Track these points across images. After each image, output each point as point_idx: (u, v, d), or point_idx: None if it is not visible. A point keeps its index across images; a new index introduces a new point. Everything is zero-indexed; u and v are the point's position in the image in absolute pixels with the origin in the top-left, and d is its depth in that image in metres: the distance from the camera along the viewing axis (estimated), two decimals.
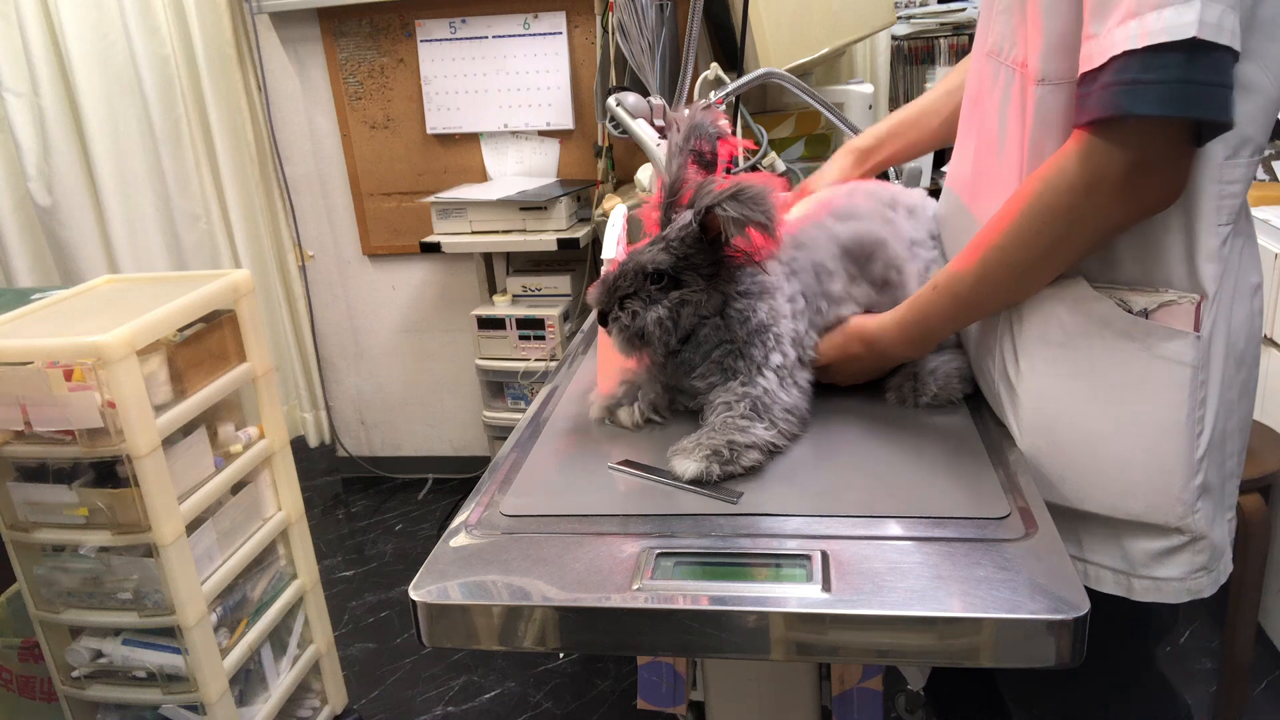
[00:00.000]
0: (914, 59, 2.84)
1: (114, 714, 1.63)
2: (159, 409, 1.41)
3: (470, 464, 3.01)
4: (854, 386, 1.04)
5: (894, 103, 2.81)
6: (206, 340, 1.53)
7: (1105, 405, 0.87)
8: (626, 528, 0.81)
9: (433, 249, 2.51)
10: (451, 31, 2.57)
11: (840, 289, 1.01)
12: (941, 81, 1.20)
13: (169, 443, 1.42)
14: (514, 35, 2.54)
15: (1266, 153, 2.26)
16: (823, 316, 1.00)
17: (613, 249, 1.24)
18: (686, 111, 0.97)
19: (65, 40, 2.42)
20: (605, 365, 1.07)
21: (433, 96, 2.64)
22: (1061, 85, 0.82)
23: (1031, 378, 0.91)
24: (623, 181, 2.49)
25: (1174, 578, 0.89)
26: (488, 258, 2.66)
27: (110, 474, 1.42)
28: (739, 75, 1.67)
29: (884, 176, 1.45)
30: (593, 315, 0.98)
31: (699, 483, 0.86)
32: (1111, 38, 0.73)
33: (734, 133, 1.62)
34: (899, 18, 2.76)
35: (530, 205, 2.43)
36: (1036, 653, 0.67)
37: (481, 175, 2.71)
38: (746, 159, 1.50)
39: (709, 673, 1.07)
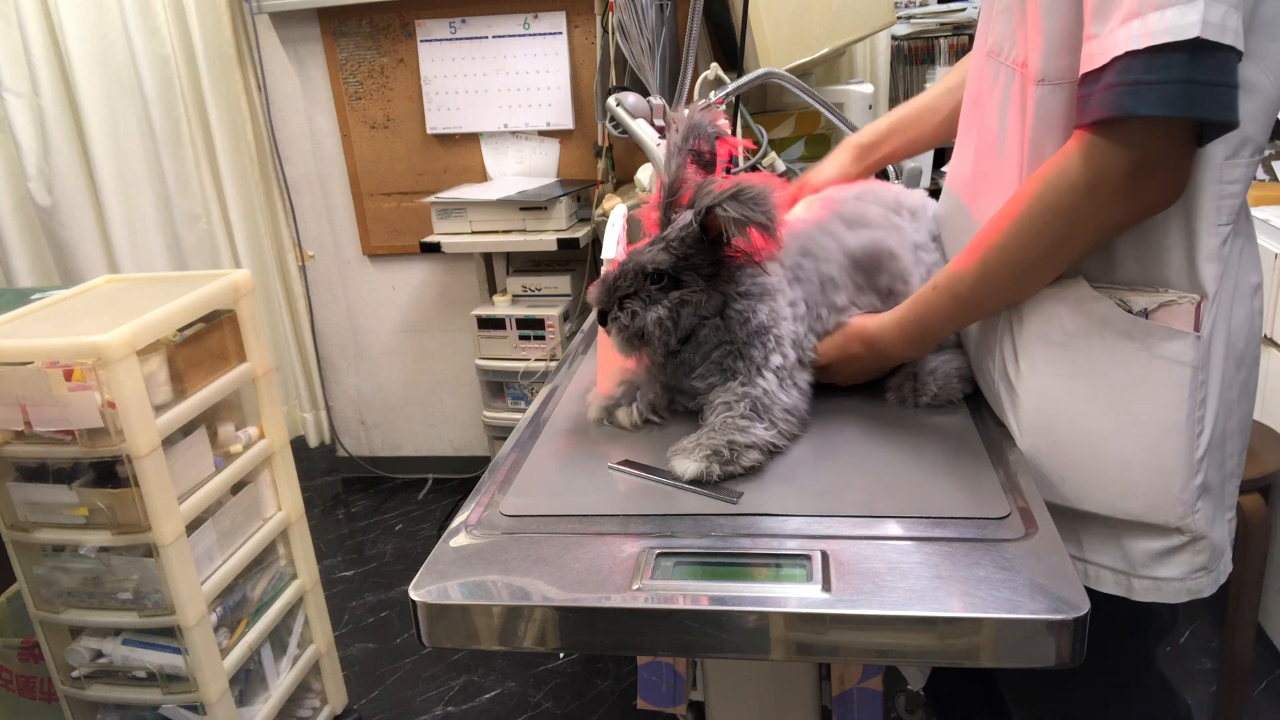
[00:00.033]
0: (914, 59, 2.84)
1: (114, 714, 1.63)
2: (159, 409, 1.41)
3: (470, 464, 3.01)
4: (854, 386, 1.04)
5: (894, 103, 2.81)
6: (206, 340, 1.53)
7: (1105, 405, 0.87)
8: (626, 528, 0.81)
9: (433, 249, 2.51)
10: (451, 31, 2.57)
11: (845, 299, 1.01)
12: (942, 79, 1.19)
13: (169, 443, 1.42)
14: (514, 35, 2.54)
15: (1266, 153, 2.27)
16: (823, 323, 1.00)
17: (613, 249, 1.24)
18: (686, 111, 0.97)
19: (65, 40, 2.42)
20: (605, 365, 1.07)
21: (433, 96, 2.64)
22: (1062, 85, 0.82)
23: (1031, 378, 0.91)
24: (623, 181, 2.49)
25: (1174, 578, 0.89)
26: (488, 258, 2.66)
27: (110, 474, 1.42)
28: (739, 75, 1.67)
29: (884, 176, 1.45)
30: (593, 315, 0.98)
31: (699, 483, 0.86)
32: (1114, 38, 0.73)
33: (734, 133, 1.63)
34: (899, 18, 2.76)
35: (530, 205, 2.43)
36: (1036, 653, 0.67)
37: (481, 175, 2.71)
38: (746, 159, 1.50)
39: (709, 673, 1.07)
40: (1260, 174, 2.23)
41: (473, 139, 2.68)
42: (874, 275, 1.03)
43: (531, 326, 2.50)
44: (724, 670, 1.05)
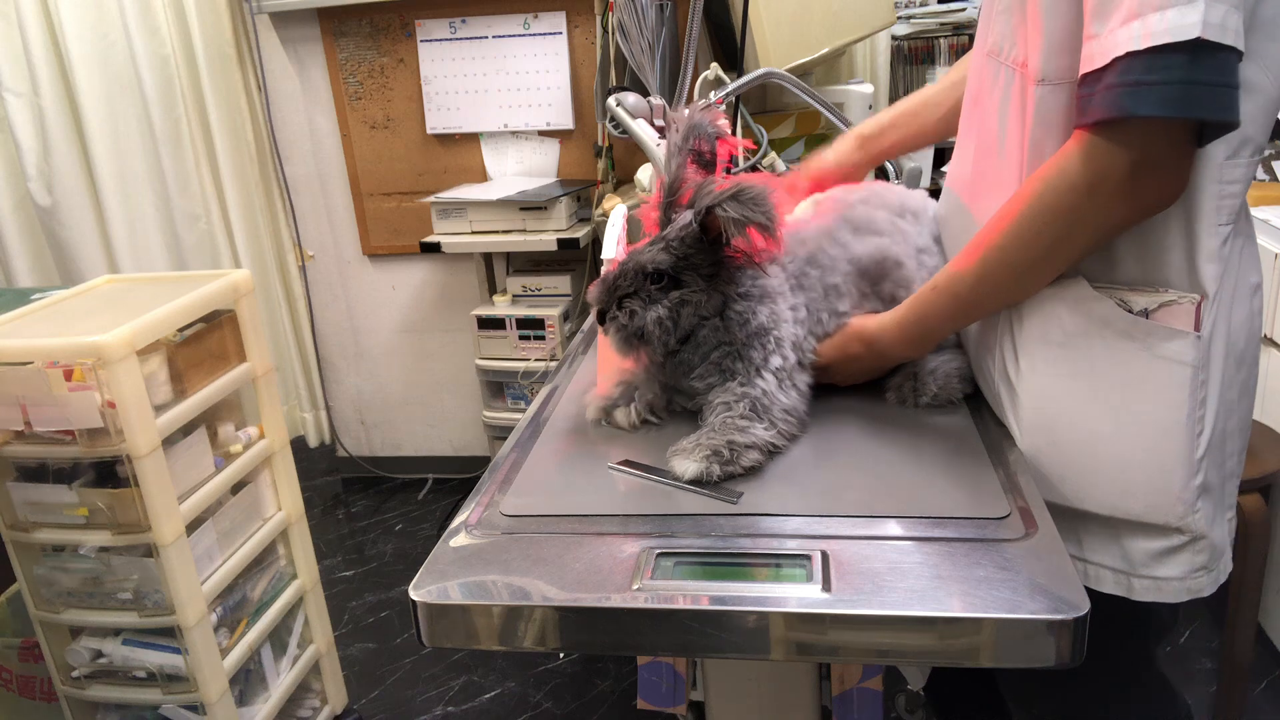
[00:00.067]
0: (914, 59, 2.84)
1: (114, 714, 1.63)
2: (159, 409, 1.41)
3: (470, 464, 3.01)
4: (854, 386, 1.04)
5: (894, 103, 2.81)
6: (206, 340, 1.53)
7: (1105, 405, 0.87)
8: (626, 528, 0.81)
9: (433, 249, 2.51)
10: (451, 31, 2.57)
11: (847, 306, 1.01)
12: (945, 75, 1.19)
13: (169, 443, 1.42)
14: (514, 35, 2.54)
15: (1266, 153, 2.27)
16: (823, 326, 1.00)
17: (613, 249, 1.24)
18: (686, 111, 0.97)
19: (65, 40, 2.42)
20: (605, 366, 1.07)
21: (433, 96, 2.64)
22: (1062, 85, 0.82)
23: (1032, 377, 0.91)
24: (623, 181, 2.49)
25: (1174, 577, 0.89)
26: (488, 258, 2.66)
27: (110, 474, 1.42)
28: (739, 75, 1.67)
29: (883, 176, 1.45)
30: (592, 315, 0.98)
31: (699, 483, 0.86)
32: (1114, 38, 0.73)
33: (734, 133, 1.63)
34: (899, 18, 2.76)
35: (530, 205, 2.43)
36: (1036, 653, 0.67)
37: (481, 175, 2.71)
38: (746, 159, 1.50)
39: (709, 673, 1.07)
40: (1260, 174, 2.23)
41: (473, 139, 2.68)
42: (879, 283, 1.03)
43: (531, 326, 2.50)
44: (724, 670, 1.05)
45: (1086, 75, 0.76)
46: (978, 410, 1.00)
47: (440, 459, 3.06)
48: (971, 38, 1.03)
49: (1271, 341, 1.82)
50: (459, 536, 0.82)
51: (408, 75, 2.63)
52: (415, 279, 2.87)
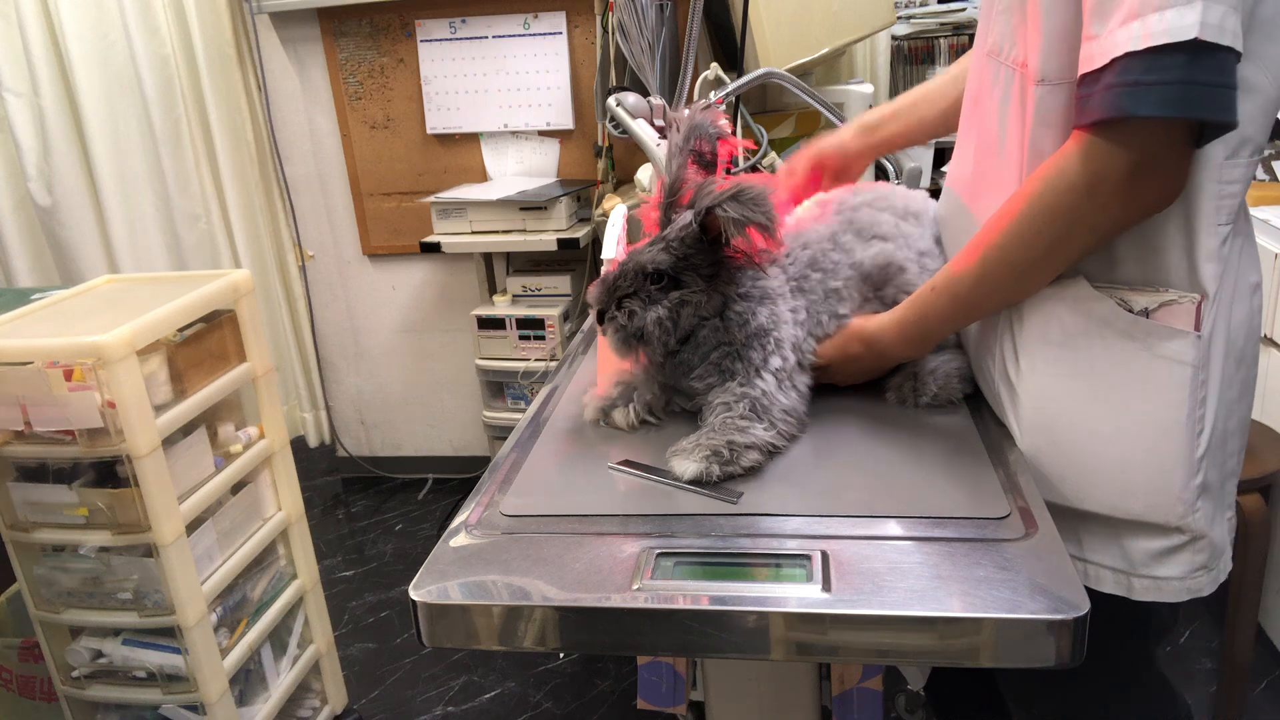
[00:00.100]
0: (914, 59, 2.84)
1: (114, 714, 1.63)
2: (159, 409, 1.41)
3: (470, 464, 3.01)
4: (854, 386, 1.04)
5: None
6: (206, 340, 1.53)
7: (1106, 405, 0.87)
8: (626, 528, 0.81)
9: (433, 249, 2.51)
10: (451, 31, 2.57)
11: (848, 310, 1.01)
12: (947, 70, 1.19)
13: (169, 443, 1.42)
14: (514, 35, 2.54)
15: (1266, 153, 2.27)
16: (823, 328, 1.00)
17: (613, 249, 1.24)
18: (686, 112, 0.97)
19: (65, 40, 2.42)
20: (605, 366, 1.07)
21: (433, 96, 2.64)
22: (1061, 85, 0.82)
23: (1032, 377, 0.91)
24: (623, 181, 2.49)
25: (1174, 577, 0.89)
26: (488, 258, 2.66)
27: (110, 474, 1.42)
28: (739, 75, 1.67)
29: (883, 176, 1.45)
30: (592, 315, 0.98)
31: (699, 483, 0.86)
32: (1113, 39, 0.73)
33: (734, 133, 1.62)
34: (899, 18, 2.76)
35: (530, 205, 2.43)
36: (1036, 653, 0.67)
37: (481, 175, 2.71)
38: (746, 159, 1.50)
39: (709, 673, 1.07)
40: (1260, 174, 2.23)
41: (473, 139, 2.68)
42: (881, 287, 1.03)
43: (531, 326, 2.50)
44: (724, 670, 1.05)
45: (1085, 75, 0.76)
46: (978, 410, 1.00)
47: (440, 459, 3.06)
48: (971, 38, 1.03)
49: (1271, 341, 1.82)
50: (459, 536, 0.82)
51: (408, 75, 2.63)
52: (415, 279, 2.87)
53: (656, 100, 1.62)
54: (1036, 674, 0.98)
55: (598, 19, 2.35)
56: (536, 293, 2.57)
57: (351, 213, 2.81)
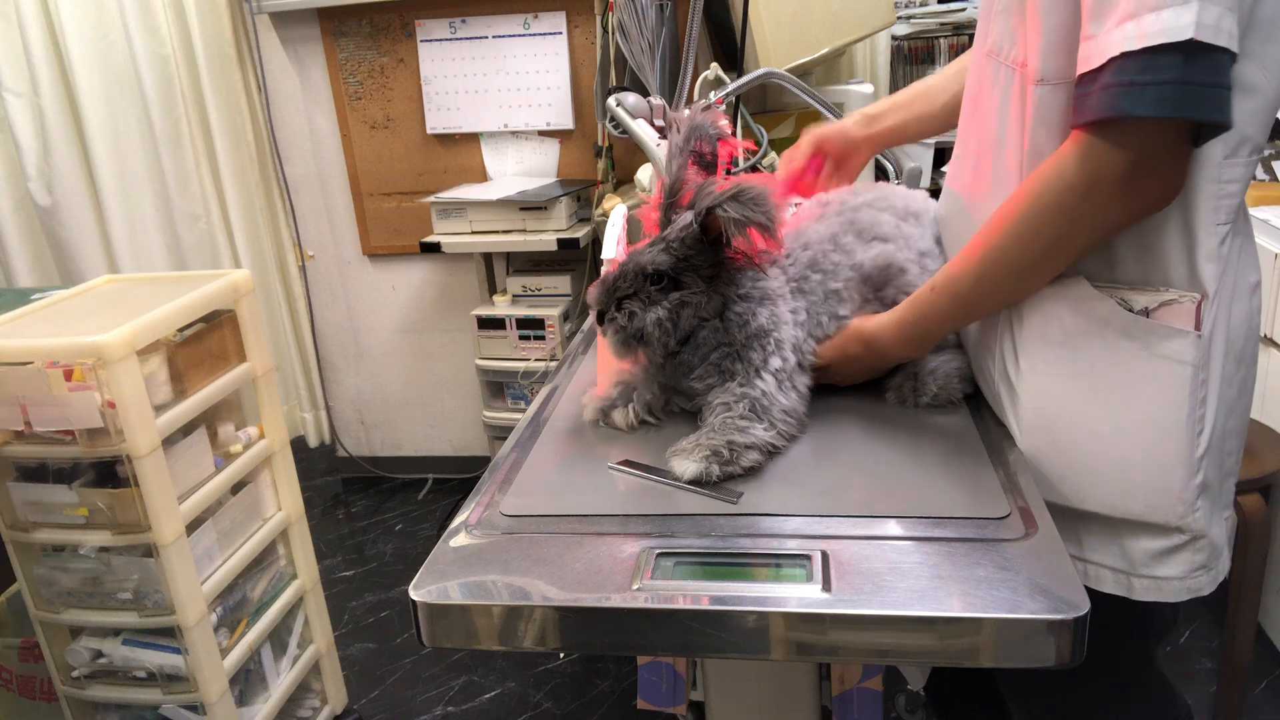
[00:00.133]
0: (914, 59, 2.84)
1: (114, 714, 1.63)
2: (159, 409, 1.41)
3: (470, 464, 3.01)
4: (854, 386, 1.04)
5: None
6: (206, 340, 1.53)
7: (1106, 405, 0.87)
8: (626, 528, 0.81)
9: (433, 249, 2.51)
10: (451, 31, 2.57)
11: (849, 311, 1.01)
12: (951, 64, 1.19)
13: (169, 443, 1.42)
14: (514, 35, 2.54)
15: (1266, 153, 2.27)
16: (823, 329, 1.00)
17: (613, 249, 1.24)
18: (687, 112, 0.97)
19: (65, 40, 2.42)
20: (605, 366, 1.07)
21: (433, 96, 2.64)
22: (1061, 85, 0.82)
23: (1032, 377, 0.91)
24: (623, 181, 2.49)
25: (1174, 577, 0.89)
26: (488, 258, 2.66)
27: (110, 474, 1.42)
28: (739, 75, 1.67)
29: (883, 175, 1.45)
30: (592, 315, 0.98)
31: (698, 483, 0.86)
32: (1110, 39, 0.73)
33: (734, 133, 1.62)
34: (899, 18, 2.76)
35: (530, 205, 2.43)
36: (1036, 653, 0.67)
37: (481, 175, 2.71)
38: (746, 159, 1.50)
39: (709, 673, 1.07)
40: (1260, 174, 2.23)
41: (473, 139, 2.68)
42: (881, 288, 1.03)
43: (531, 326, 2.50)
44: (724, 670, 1.05)
45: (1083, 75, 0.76)
46: (978, 410, 1.00)
47: (440, 459, 3.06)
48: (971, 38, 1.03)
49: (1271, 341, 1.82)
50: (459, 536, 0.82)
51: (408, 75, 2.63)
52: (415, 279, 2.87)
53: (656, 100, 1.62)
54: (1036, 674, 0.98)
55: (598, 19, 2.36)
56: (536, 293, 2.57)
57: (351, 213, 2.82)
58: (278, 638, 1.75)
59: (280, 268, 2.94)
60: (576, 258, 2.64)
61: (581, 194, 2.56)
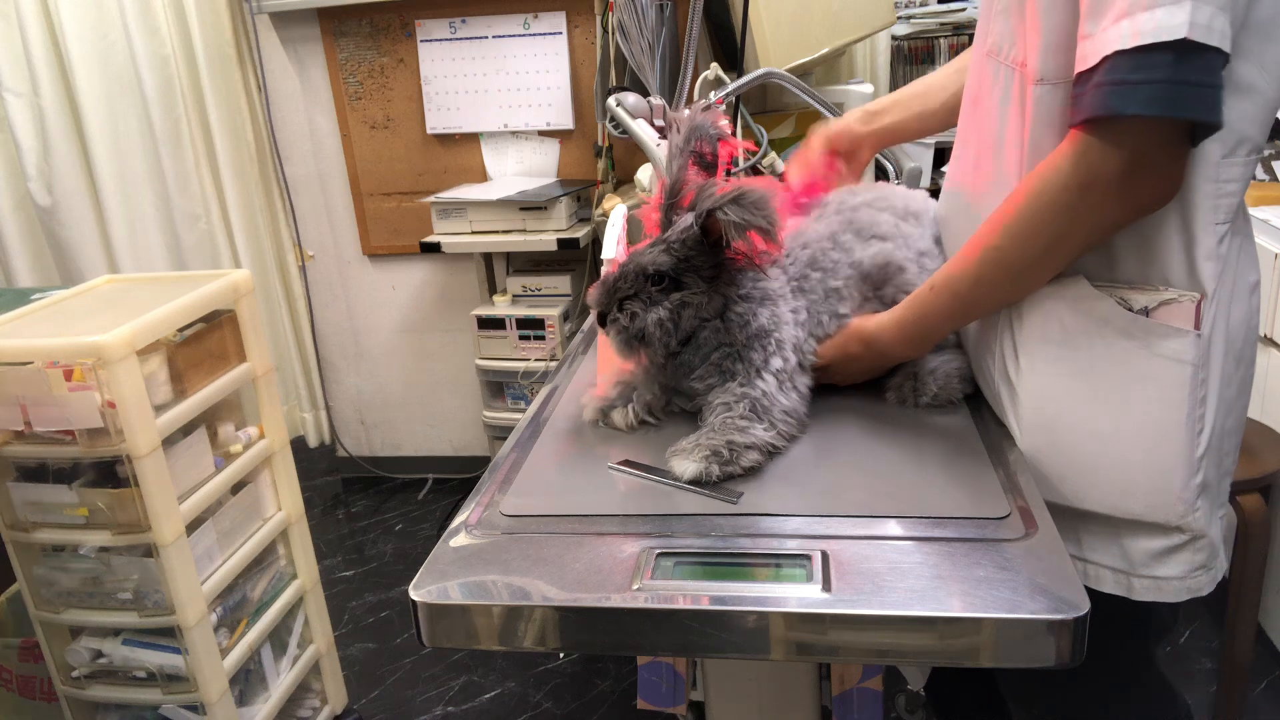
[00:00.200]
0: (914, 59, 2.84)
1: (114, 714, 1.63)
2: (159, 409, 1.41)
3: (470, 464, 3.01)
4: (854, 386, 1.04)
5: None
6: (206, 340, 1.53)
7: (1106, 404, 0.87)
8: (626, 528, 0.81)
9: (433, 249, 2.51)
10: (451, 31, 2.57)
11: (849, 310, 1.01)
12: (951, 61, 1.19)
13: (169, 443, 1.42)
14: (514, 35, 2.54)
15: (1266, 152, 2.27)
16: (824, 328, 1.00)
17: (613, 249, 1.24)
18: (687, 112, 0.97)
19: (65, 40, 2.42)
20: (605, 366, 1.07)
21: (433, 96, 2.64)
22: (1060, 85, 0.82)
23: (1032, 377, 0.91)
24: (623, 181, 2.49)
25: (1174, 576, 0.89)
26: (488, 258, 2.66)
27: (110, 474, 1.42)
28: (739, 75, 1.67)
29: (883, 175, 1.45)
30: (592, 316, 0.98)
31: (698, 483, 0.86)
32: (1105, 37, 0.73)
33: (734, 133, 1.62)
34: (899, 18, 2.76)
35: (530, 205, 2.43)
36: (1036, 653, 0.67)
37: (481, 175, 2.71)
38: (747, 159, 1.50)
39: (709, 673, 1.07)
40: (1260, 174, 2.23)
41: (473, 139, 2.68)
42: (881, 287, 1.03)
43: (531, 326, 2.50)
44: (724, 670, 1.05)
45: (1079, 74, 0.76)
46: (978, 410, 1.00)
47: (440, 459, 3.06)
48: (971, 38, 1.02)
49: (1271, 341, 1.82)
50: (459, 536, 0.82)
51: (408, 75, 2.63)
52: (415, 279, 2.87)
53: (656, 100, 1.61)
54: (1036, 674, 0.98)
55: (598, 19, 2.35)
56: (536, 293, 2.57)
57: (351, 213, 2.82)
58: (278, 638, 1.75)
59: (280, 268, 2.94)
60: (576, 258, 2.64)
61: (581, 194, 2.56)
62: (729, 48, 2.02)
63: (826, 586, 0.71)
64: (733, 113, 1.67)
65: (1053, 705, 1.04)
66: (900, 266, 1.02)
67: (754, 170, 1.51)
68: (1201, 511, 0.87)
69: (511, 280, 2.59)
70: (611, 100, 1.57)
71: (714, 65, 1.66)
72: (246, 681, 1.67)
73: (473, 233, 2.50)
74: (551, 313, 2.48)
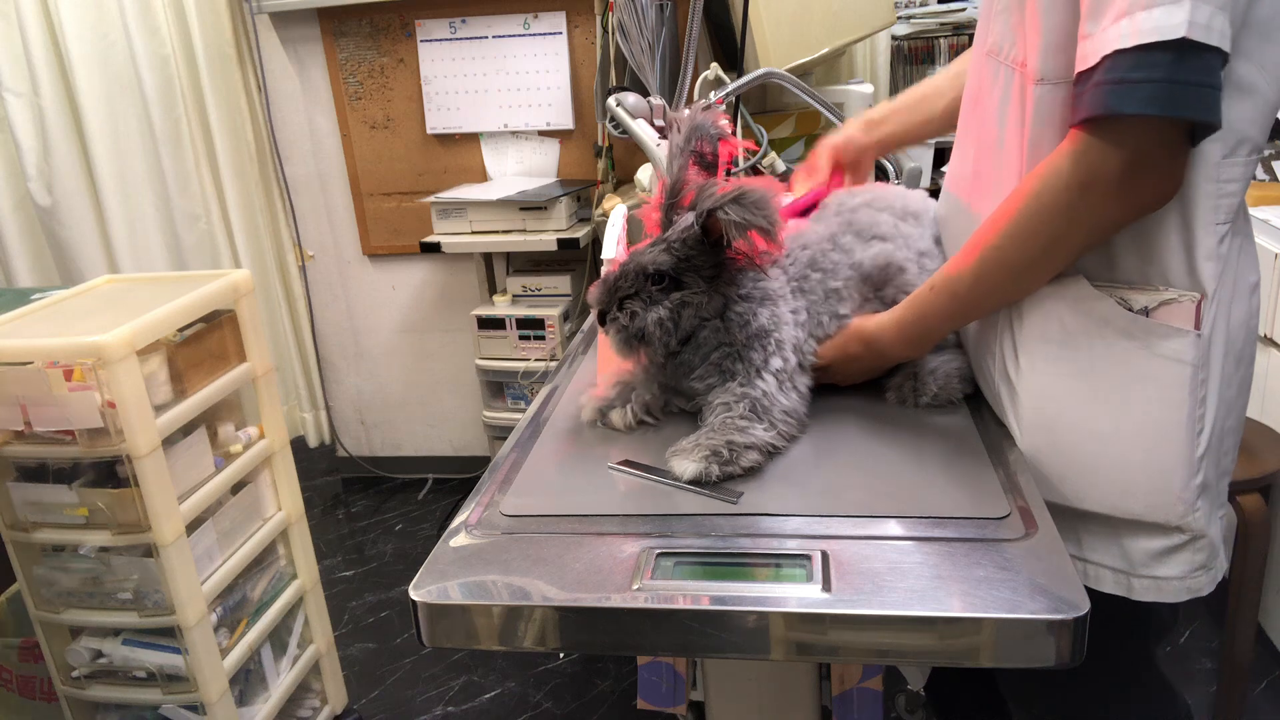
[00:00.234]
0: (914, 59, 2.84)
1: (114, 714, 1.63)
2: (159, 409, 1.41)
3: (470, 464, 3.01)
4: (854, 386, 1.04)
5: None
6: (206, 340, 1.53)
7: (1106, 404, 0.87)
8: (626, 528, 0.81)
9: (433, 249, 2.51)
10: (451, 31, 2.57)
11: (849, 310, 1.01)
12: (948, 67, 1.19)
13: (169, 443, 1.42)
14: (514, 35, 2.54)
15: (1266, 152, 2.27)
16: (824, 329, 1.01)
17: (613, 249, 1.24)
18: (687, 112, 0.97)
19: (65, 40, 2.42)
20: (605, 366, 1.07)
21: (433, 96, 2.64)
22: (1061, 85, 0.82)
23: (1032, 377, 0.91)
24: (623, 181, 2.49)
25: (1174, 576, 0.89)
26: (488, 258, 2.66)
27: (110, 474, 1.42)
28: (739, 75, 1.67)
29: (883, 176, 1.45)
30: (592, 315, 0.98)
31: (698, 483, 0.86)
32: (1104, 37, 0.73)
33: (734, 133, 1.63)
34: (899, 18, 2.76)
35: (530, 205, 2.43)
36: (1036, 653, 0.67)
37: (481, 175, 2.71)
38: (747, 159, 1.50)
39: (709, 673, 1.07)
40: (1260, 174, 2.23)
41: (473, 139, 2.68)
42: (881, 288, 1.03)
43: (531, 326, 2.50)
44: (724, 670, 1.05)
45: (1080, 74, 0.76)
46: (978, 410, 1.00)
47: (440, 459, 3.06)
48: (971, 38, 1.03)
49: (1271, 341, 1.82)
50: (459, 536, 0.82)
51: (408, 75, 2.63)
52: (415, 279, 2.87)
53: (656, 100, 1.62)
54: (1036, 674, 0.98)
55: (598, 19, 2.35)
56: (536, 293, 2.57)
57: (351, 213, 2.82)
58: (278, 638, 1.75)
59: (280, 268, 2.94)
60: (576, 258, 2.64)
61: (581, 194, 2.56)
62: (729, 48, 2.02)
63: (826, 586, 0.71)
64: (733, 113, 1.67)
65: (1053, 705, 1.04)
66: (900, 267, 1.03)
67: (754, 170, 1.51)
68: (1201, 511, 0.87)
69: (511, 280, 2.59)
70: (611, 100, 1.57)
71: (714, 65, 1.66)
72: (246, 681, 1.67)
73: (473, 233, 2.50)
74: (551, 313, 2.48)
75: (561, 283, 2.55)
